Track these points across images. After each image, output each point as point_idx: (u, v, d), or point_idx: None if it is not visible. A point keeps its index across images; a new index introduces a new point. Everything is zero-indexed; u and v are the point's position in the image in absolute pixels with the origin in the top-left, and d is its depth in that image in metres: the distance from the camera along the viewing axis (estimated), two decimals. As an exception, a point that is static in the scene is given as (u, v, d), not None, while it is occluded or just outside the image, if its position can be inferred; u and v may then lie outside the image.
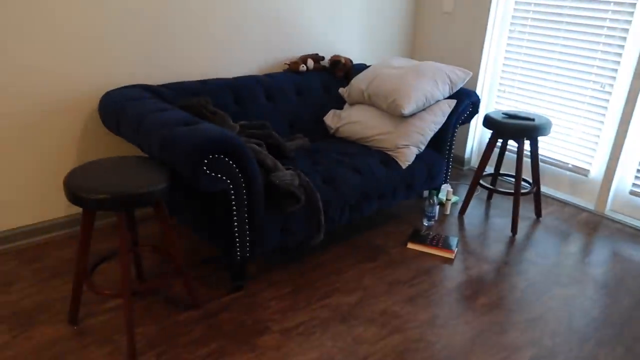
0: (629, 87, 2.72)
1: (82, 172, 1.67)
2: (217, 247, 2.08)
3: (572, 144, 3.08)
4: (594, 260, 2.51)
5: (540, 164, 3.24)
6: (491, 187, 2.86)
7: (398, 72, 2.69)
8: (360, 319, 1.98)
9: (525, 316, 2.06)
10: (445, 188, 2.97)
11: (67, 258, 2.27)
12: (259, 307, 2.01)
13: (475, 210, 2.99)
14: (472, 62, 3.35)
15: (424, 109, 2.62)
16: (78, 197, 1.55)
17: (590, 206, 3.05)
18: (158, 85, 2.37)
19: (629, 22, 2.69)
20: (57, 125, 2.29)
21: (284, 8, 2.84)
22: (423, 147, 2.63)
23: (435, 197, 2.71)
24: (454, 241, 2.54)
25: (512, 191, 2.70)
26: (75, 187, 1.57)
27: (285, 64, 2.88)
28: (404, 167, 2.54)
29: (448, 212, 2.92)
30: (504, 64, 3.31)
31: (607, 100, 2.86)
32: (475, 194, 3.19)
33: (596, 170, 3.00)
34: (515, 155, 3.34)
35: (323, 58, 2.99)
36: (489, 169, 3.44)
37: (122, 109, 2.05)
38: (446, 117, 2.67)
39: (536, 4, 3.05)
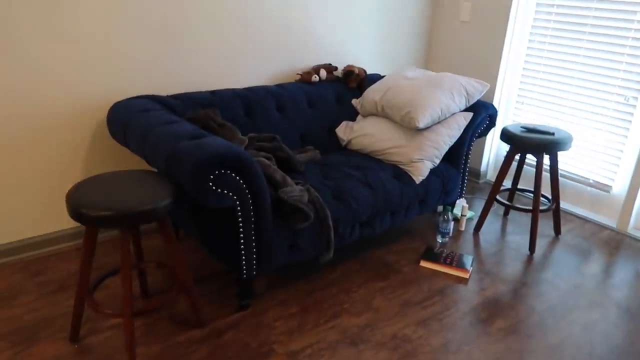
0: (655, 101, 2.61)
1: (85, 187, 1.63)
2: (224, 264, 2.02)
3: (593, 159, 2.97)
4: (616, 282, 2.39)
5: (560, 179, 3.12)
6: (508, 203, 2.76)
7: (413, 84, 2.61)
8: (369, 343, 1.90)
9: (544, 342, 1.96)
10: (461, 203, 2.88)
11: (72, 271, 2.23)
12: (265, 328, 1.94)
13: (491, 226, 2.89)
14: (490, 72, 3.25)
15: (439, 122, 2.54)
16: (79, 213, 1.51)
17: (612, 224, 2.93)
18: (167, 96, 2.33)
19: (656, 33, 2.58)
20: (65, 136, 2.26)
21: (297, 17, 2.79)
22: (438, 162, 2.54)
23: (449, 213, 2.62)
24: (468, 260, 2.45)
25: (530, 208, 2.60)
26: (76, 203, 1.53)
27: (298, 74, 2.83)
28: (417, 182, 2.46)
29: (463, 228, 2.83)
30: (522, 75, 3.21)
31: (631, 114, 2.75)
32: (492, 209, 3.09)
33: (619, 186, 2.88)
34: (533, 169, 3.23)
35: (336, 68, 2.93)
36: (506, 183, 3.33)
37: (129, 120, 2.01)
38: (462, 131, 2.58)
39: (557, 14, 2.95)
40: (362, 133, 2.69)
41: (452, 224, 2.69)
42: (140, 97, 2.26)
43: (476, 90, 2.58)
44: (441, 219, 2.64)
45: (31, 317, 1.94)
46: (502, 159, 3.42)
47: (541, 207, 2.63)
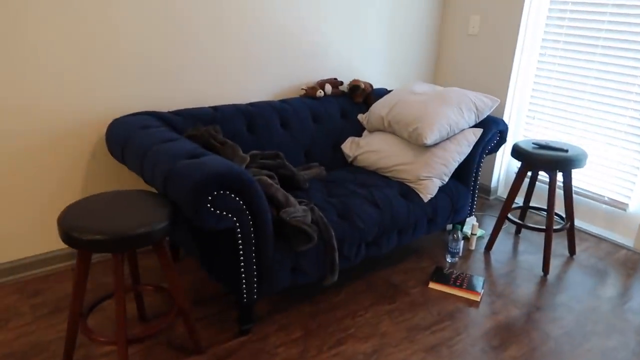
0: (673, 117, 2.51)
1: (77, 208, 1.57)
2: (224, 286, 1.95)
3: (608, 176, 2.86)
4: (634, 306, 2.28)
5: (574, 196, 3.02)
6: (520, 222, 2.66)
7: (420, 99, 2.54)
8: (375, 372, 1.81)
9: (560, 372, 1.86)
10: (471, 221, 2.79)
11: (69, 292, 2.17)
12: (266, 355, 1.86)
13: (502, 245, 2.79)
14: (499, 87, 3.18)
15: (447, 138, 2.46)
16: (71, 237, 1.44)
17: (629, 243, 2.82)
18: (169, 112, 2.28)
19: (672, 46, 2.50)
20: (63, 153, 2.21)
21: (302, 32, 2.74)
22: (447, 179, 2.46)
23: (459, 232, 2.53)
24: (479, 281, 2.35)
25: (544, 227, 2.50)
26: (68, 226, 1.46)
27: (302, 89, 2.77)
28: (425, 200, 2.37)
29: (473, 247, 2.73)
30: (533, 89, 3.13)
31: (648, 130, 2.66)
32: (503, 227, 2.99)
33: (635, 204, 2.78)
34: (546, 186, 3.13)
35: (342, 83, 2.87)
36: (518, 200, 3.23)
37: (127, 138, 1.95)
38: (472, 147, 2.50)
39: (569, 26, 2.88)
40: (369, 149, 2.61)
41: (461, 243, 2.60)
42: (140, 113, 2.21)
43: (486, 105, 2.50)
44: (450, 238, 2.55)
45: (24, 341, 1.87)
46: (513, 174, 3.33)
47: (555, 227, 2.53)
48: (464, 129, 2.49)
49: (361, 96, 2.82)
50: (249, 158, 2.00)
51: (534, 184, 2.74)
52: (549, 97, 3.05)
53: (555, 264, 2.62)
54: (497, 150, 2.70)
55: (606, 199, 2.89)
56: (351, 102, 2.83)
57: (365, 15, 2.98)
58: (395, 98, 2.64)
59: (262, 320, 2.05)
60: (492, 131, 2.55)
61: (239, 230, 1.72)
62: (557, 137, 3.06)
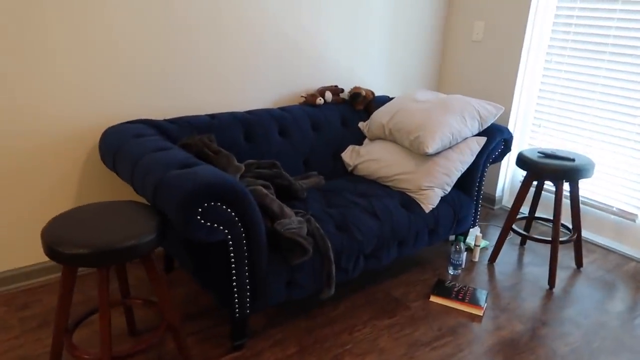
0: (684, 125, 2.43)
1: (62, 220, 1.51)
2: (216, 300, 1.88)
3: (617, 185, 2.78)
4: (646, 322, 2.19)
5: (581, 206, 2.94)
6: (525, 233, 2.58)
7: (422, 107, 2.48)
8: (373, 391, 1.74)
9: (567, 392, 1.78)
10: (474, 232, 2.71)
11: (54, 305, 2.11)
12: (260, 372, 1.79)
13: (507, 257, 2.71)
14: (504, 94, 3.11)
15: (450, 147, 2.39)
16: (54, 250, 1.39)
17: (639, 255, 2.73)
18: (164, 120, 2.23)
19: (683, 53, 2.42)
20: (55, 163, 2.16)
21: (302, 39, 2.69)
22: (449, 189, 2.39)
23: (461, 244, 2.46)
24: (482, 295, 2.28)
25: (549, 239, 2.42)
26: (51, 239, 1.41)
27: (302, 96, 2.71)
28: (427, 210, 2.30)
29: (477, 259, 2.65)
30: (539, 97, 3.06)
31: (658, 139, 2.58)
32: (508, 237, 2.91)
33: (645, 216, 2.69)
34: (552, 195, 3.05)
35: (342, 90, 2.81)
36: (524, 210, 3.15)
37: (119, 147, 1.90)
38: (475, 156, 2.43)
39: (575, 33, 2.81)
40: (369, 158, 2.55)
41: (464, 254, 2.52)
42: (134, 121, 2.16)
43: (490, 113, 2.43)
44: (453, 249, 2.47)
45: (12, 355, 1.82)
46: (519, 184, 3.25)
47: (561, 238, 2.45)
48: (467, 138, 2.42)
49: (362, 104, 2.76)
50: (243, 167, 1.94)
51: (540, 193, 2.66)
52: (555, 104, 2.98)
53: (561, 276, 2.54)
54: (502, 159, 2.63)
55: (615, 209, 2.80)
56: (352, 110, 2.77)
57: (366, 22, 2.93)
58: (396, 106, 2.58)
59: (257, 335, 1.98)
60: (496, 140, 2.48)
61: (231, 243, 1.66)
62: (564, 146, 2.98)
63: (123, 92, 2.23)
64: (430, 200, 2.31)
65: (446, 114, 2.37)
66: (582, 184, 2.93)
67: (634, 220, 2.74)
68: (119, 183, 2.35)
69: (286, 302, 2.13)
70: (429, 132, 2.31)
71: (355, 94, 2.73)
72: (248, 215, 1.64)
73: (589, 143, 2.85)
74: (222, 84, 2.50)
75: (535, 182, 2.79)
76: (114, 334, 1.94)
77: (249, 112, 2.45)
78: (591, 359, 1.94)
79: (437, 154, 2.38)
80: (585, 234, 2.96)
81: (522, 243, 2.85)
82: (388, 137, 2.56)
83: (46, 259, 2.26)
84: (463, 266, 2.58)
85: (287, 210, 1.89)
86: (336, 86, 2.80)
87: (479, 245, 2.63)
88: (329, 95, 2.71)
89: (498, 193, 3.31)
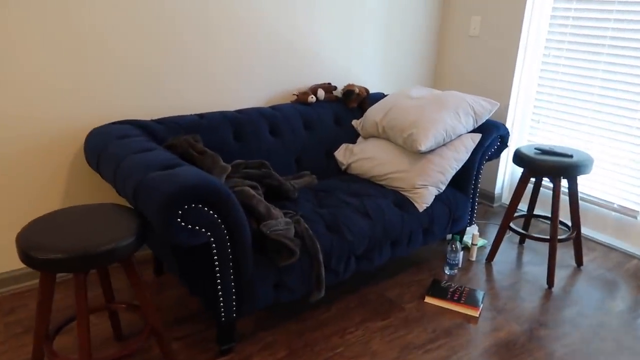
0: (685, 119, 2.36)
1: (40, 224, 1.47)
2: (202, 304, 1.84)
3: (618, 181, 2.71)
4: (647, 322, 2.13)
5: (582, 202, 2.87)
6: (523, 231, 2.52)
7: (416, 103, 2.42)
8: (362, 396, 1.69)
9: (564, 396, 1.72)
10: (471, 231, 2.65)
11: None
12: (247, 377, 1.75)
13: (505, 255, 2.65)
14: (502, 90, 3.04)
15: (444, 144, 2.34)
16: (27, 255, 1.35)
17: (641, 252, 2.67)
18: (152, 120, 2.19)
19: (684, 44, 2.35)
20: (42, 165, 2.12)
21: (294, 36, 2.64)
22: (443, 187, 2.33)
23: (457, 243, 2.40)
24: (479, 295, 2.22)
25: (548, 237, 2.36)
26: (25, 243, 1.37)
27: (294, 94, 2.66)
28: (421, 210, 2.25)
29: (474, 258, 2.59)
30: (538, 92, 2.99)
31: (659, 133, 2.51)
32: (506, 236, 2.85)
33: (647, 212, 2.63)
34: (551, 192, 2.98)
35: (335, 88, 2.76)
36: (523, 207, 3.08)
37: (103, 148, 1.86)
38: (470, 153, 2.37)
39: (573, 26, 2.74)
40: (363, 156, 2.50)
41: (460, 254, 2.47)
42: (121, 122, 2.12)
43: (484, 109, 2.38)
44: (449, 249, 2.42)
45: (-5, 362, 1.79)
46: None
47: (560, 237, 2.39)
48: (461, 135, 2.37)
49: (355, 101, 2.71)
50: (230, 168, 1.89)
51: (538, 191, 2.60)
52: (554, 99, 2.91)
53: (561, 275, 2.48)
54: (499, 156, 2.57)
55: (616, 206, 2.74)
56: (345, 108, 2.72)
57: (360, 18, 2.88)
58: (390, 103, 2.52)
59: (245, 339, 1.93)
60: (492, 136, 2.42)
61: (214, 245, 1.61)
62: (563, 142, 2.91)
63: (111, 92, 2.18)
64: (424, 199, 2.26)
65: (440, 110, 2.32)
66: (583, 180, 2.86)
67: (635, 217, 2.67)
68: (107, 185, 2.32)
69: (275, 305, 2.09)
70: (422, 129, 2.25)
71: (348, 92, 2.68)
72: (231, 216, 1.60)
73: (589, 139, 2.78)
74: (212, 83, 2.46)
75: (533, 179, 2.72)
76: (100, 339, 1.91)
77: (239, 111, 2.41)
78: (590, 361, 1.89)
79: (431, 151, 2.32)
80: (586, 231, 2.89)
81: (522, 241, 2.79)
82: (382, 135, 2.51)
83: (34, 262, 2.22)
84: (460, 266, 2.52)
85: (275, 211, 1.84)
86: (329, 84, 2.75)
87: (476, 244, 2.57)
88: (321, 93, 2.66)
89: (497, 190, 3.24)
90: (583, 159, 2.25)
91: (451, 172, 2.33)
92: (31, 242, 1.37)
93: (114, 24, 2.11)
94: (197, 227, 1.53)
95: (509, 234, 2.87)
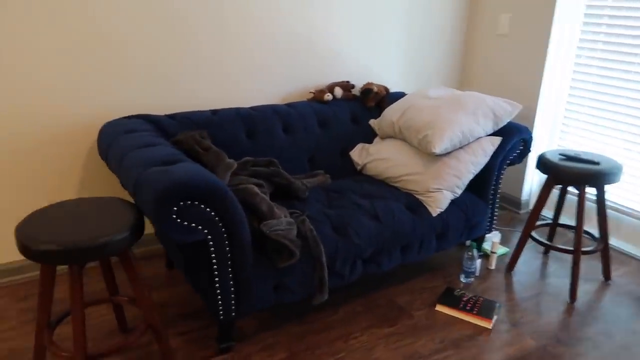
0: None
1: (40, 216, 1.50)
2: (203, 302, 1.84)
3: (653, 192, 2.54)
4: (677, 345, 1.98)
5: (615, 213, 2.70)
6: (545, 242, 2.39)
7: (434, 104, 2.34)
8: (358, 405, 1.64)
9: (575, 419, 1.61)
10: (491, 238, 2.54)
11: (56, 297, 2.13)
12: (243, 377, 1.73)
13: (527, 266, 2.52)
14: (531, 91, 2.90)
15: (461, 147, 2.25)
16: (24, 246, 1.37)
17: (677, 269, 2.48)
18: (164, 115, 2.20)
19: None
20: (58, 158, 2.18)
21: (313, 34, 2.60)
22: (460, 192, 2.24)
23: (474, 250, 2.30)
24: (493, 306, 2.12)
25: (571, 248, 2.23)
26: (23, 234, 1.39)
27: (311, 92, 2.63)
28: (434, 214, 2.17)
29: (493, 266, 2.49)
30: (570, 95, 2.84)
31: (701, 141, 2.32)
32: (531, 245, 2.72)
33: (685, 226, 2.44)
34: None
35: (354, 86, 2.71)
36: (549, 214, 2.93)
37: (112, 142, 1.88)
38: (489, 157, 2.27)
39: (609, 25, 2.58)
40: (378, 157, 2.44)
41: (478, 262, 2.37)
42: (133, 116, 2.15)
43: (505, 111, 2.27)
44: (465, 256, 2.32)
45: (4, 347, 1.84)
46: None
47: (586, 249, 2.26)
48: (480, 137, 2.27)
49: (373, 100, 2.65)
50: (235, 165, 1.88)
51: (564, 199, 2.46)
52: (586, 102, 2.76)
53: (586, 289, 2.34)
54: (521, 160, 2.45)
55: (650, 217, 2.56)
56: (363, 107, 2.66)
57: (383, 15, 2.81)
58: (407, 102, 2.45)
59: (246, 339, 1.92)
60: (513, 140, 2.31)
61: (211, 243, 1.60)
62: (596, 148, 2.75)
63: (126, 88, 2.21)
64: (438, 204, 2.18)
65: (457, 112, 2.23)
66: (614, 189, 2.70)
67: (672, 231, 2.49)
68: (116, 179, 2.35)
69: (277, 306, 2.06)
70: (437, 130, 2.17)
71: (366, 90, 2.62)
72: (229, 214, 1.58)
73: (625, 145, 2.62)
74: (227, 79, 2.45)
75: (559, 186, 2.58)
76: (106, 330, 1.93)
77: (253, 108, 2.39)
78: (608, 383, 1.77)
79: (448, 154, 2.24)
80: (616, 243, 2.72)
81: (546, 251, 2.66)
82: (398, 135, 2.44)
83: (50, 252, 2.28)
84: (477, 274, 2.42)
85: (278, 210, 1.81)
86: (347, 82, 2.70)
87: (496, 252, 2.46)
88: (338, 91, 2.61)
89: (524, 197, 3.10)
90: (610, 167, 2.11)
91: (468, 177, 2.23)
92: (28, 234, 1.39)
93: (131, 22, 2.13)
94: (193, 224, 1.52)
95: (533, 243, 2.74)
